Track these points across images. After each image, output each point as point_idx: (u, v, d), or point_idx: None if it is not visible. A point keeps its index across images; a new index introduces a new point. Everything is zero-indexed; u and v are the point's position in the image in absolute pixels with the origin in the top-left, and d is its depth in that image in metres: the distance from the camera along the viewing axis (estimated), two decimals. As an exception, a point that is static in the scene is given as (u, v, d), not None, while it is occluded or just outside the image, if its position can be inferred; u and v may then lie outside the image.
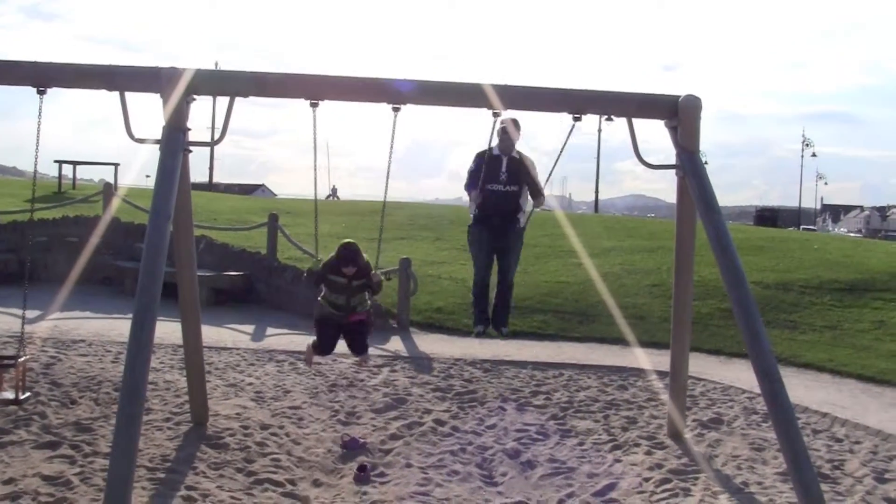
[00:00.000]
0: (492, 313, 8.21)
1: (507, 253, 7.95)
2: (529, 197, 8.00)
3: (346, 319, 7.04)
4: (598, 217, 36.27)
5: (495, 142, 7.64)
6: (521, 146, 8.14)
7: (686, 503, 5.98)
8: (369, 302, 7.16)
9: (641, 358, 10.45)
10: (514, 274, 8.11)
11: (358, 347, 7.24)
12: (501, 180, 7.68)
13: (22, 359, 6.54)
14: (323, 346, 7.25)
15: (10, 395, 6.56)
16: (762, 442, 7.39)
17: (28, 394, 6.81)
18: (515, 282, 8.45)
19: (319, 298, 7.08)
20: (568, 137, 6.85)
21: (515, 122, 7.77)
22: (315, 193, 6.76)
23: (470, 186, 7.86)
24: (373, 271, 6.95)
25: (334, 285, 6.94)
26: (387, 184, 6.70)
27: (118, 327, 11.10)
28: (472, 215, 7.95)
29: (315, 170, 6.48)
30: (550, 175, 7.86)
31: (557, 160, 7.09)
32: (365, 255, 6.97)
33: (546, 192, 7.91)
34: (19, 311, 6.83)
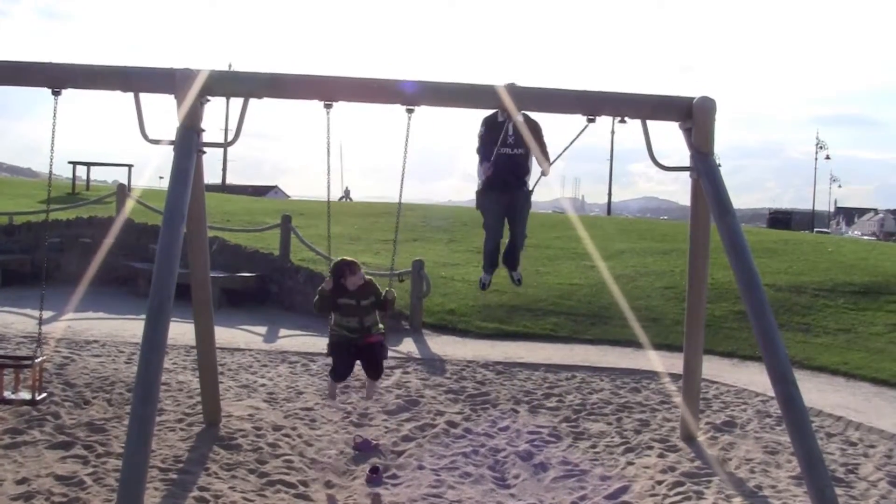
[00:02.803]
0: (503, 258, 8.42)
1: (517, 215, 8.14)
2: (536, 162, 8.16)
3: (362, 342, 6.84)
4: (612, 219, 36.21)
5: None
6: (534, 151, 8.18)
7: (699, 506, 5.97)
8: (381, 326, 7.00)
9: (654, 360, 10.41)
10: (525, 230, 8.33)
11: (374, 369, 6.99)
12: (509, 143, 7.82)
13: (39, 359, 6.57)
14: (339, 372, 7.01)
15: (26, 395, 6.59)
16: (776, 445, 7.36)
17: (45, 394, 6.84)
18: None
19: (331, 325, 6.93)
20: (579, 135, 6.81)
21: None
22: (328, 194, 6.75)
23: (482, 155, 8.00)
24: (386, 289, 6.84)
25: (344, 309, 6.78)
26: (402, 185, 6.65)
27: (131, 328, 11.13)
28: (480, 181, 8.09)
29: (328, 171, 6.47)
30: (558, 157, 7.92)
31: (565, 150, 7.14)
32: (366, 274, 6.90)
33: (559, 192, 7.97)
34: (34, 312, 6.87)
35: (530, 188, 8.09)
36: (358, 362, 7.02)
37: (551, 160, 7.77)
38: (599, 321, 12.77)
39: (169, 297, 5.31)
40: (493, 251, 8.27)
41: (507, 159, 7.82)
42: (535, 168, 8.11)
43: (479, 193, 8.16)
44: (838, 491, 5.80)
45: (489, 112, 7.75)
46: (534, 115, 7.74)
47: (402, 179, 6.59)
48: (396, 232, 7.00)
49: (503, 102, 6.23)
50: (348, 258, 6.90)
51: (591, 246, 17.23)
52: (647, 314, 12.79)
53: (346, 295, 6.73)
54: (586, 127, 6.57)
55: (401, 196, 6.73)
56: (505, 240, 8.33)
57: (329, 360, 7.19)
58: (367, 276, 6.86)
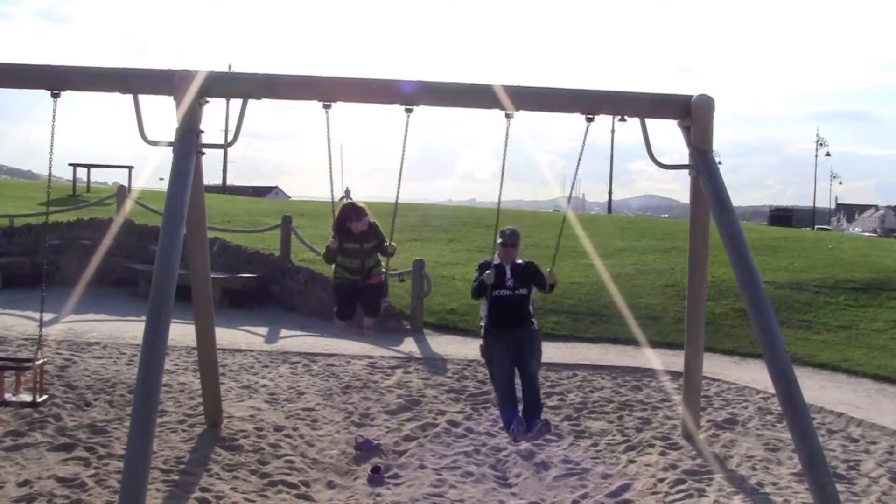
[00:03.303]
0: (522, 412, 7.16)
1: (527, 357, 7.16)
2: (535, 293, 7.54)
3: (363, 283, 7.22)
4: (612, 217, 36.18)
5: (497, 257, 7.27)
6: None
7: (701, 504, 5.97)
8: (383, 268, 7.32)
9: (655, 359, 10.42)
10: (538, 372, 7.30)
11: (373, 308, 7.40)
12: (508, 286, 7.25)
13: (39, 362, 6.57)
14: (343, 312, 7.34)
15: (27, 397, 6.60)
16: (777, 442, 7.36)
17: (45, 396, 6.84)
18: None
19: (334, 267, 7.19)
20: (585, 140, 6.70)
21: (515, 234, 7.29)
22: (332, 195, 6.74)
23: (476, 291, 7.29)
24: (386, 242, 7.17)
25: (348, 252, 7.09)
26: (399, 184, 6.67)
27: (132, 329, 11.13)
28: (482, 324, 7.33)
29: (330, 171, 6.48)
30: (574, 181, 7.65)
31: (578, 165, 6.82)
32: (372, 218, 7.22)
33: (559, 192, 7.62)
34: (34, 314, 6.88)
35: (535, 325, 7.34)
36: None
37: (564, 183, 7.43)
38: (600, 320, 12.77)
39: (169, 298, 5.31)
40: (508, 391, 7.05)
41: (507, 301, 7.19)
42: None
43: (483, 339, 7.32)
44: (839, 487, 5.81)
45: (486, 258, 7.29)
46: (532, 114, 7.51)
47: (400, 177, 6.62)
48: (392, 230, 6.98)
49: (501, 102, 6.23)
50: (356, 203, 7.23)
51: (591, 245, 17.19)
52: (647, 312, 12.79)
53: (350, 238, 7.09)
54: (588, 128, 6.51)
55: (398, 194, 6.74)
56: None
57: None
58: (371, 220, 7.20)
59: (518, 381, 6.98)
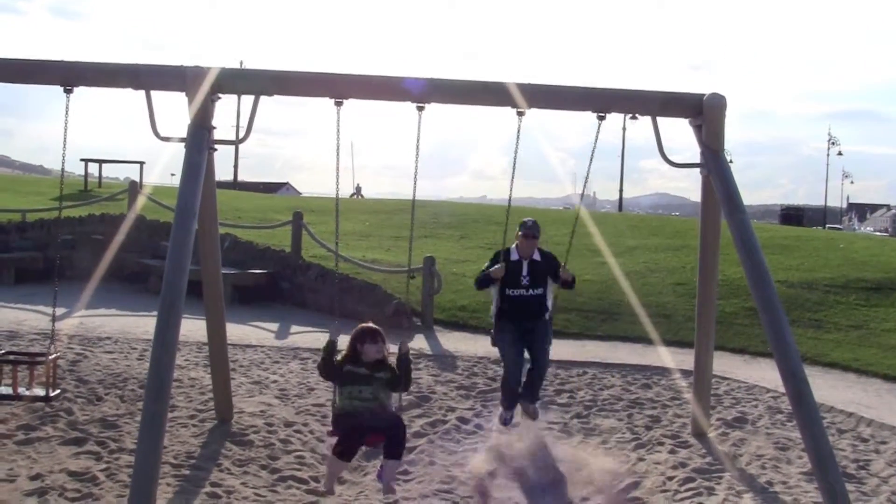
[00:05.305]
0: (522, 387, 7.11)
1: (539, 344, 7.03)
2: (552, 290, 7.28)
3: (379, 409, 5.57)
4: (623, 215, 36.10)
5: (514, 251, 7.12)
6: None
7: (710, 502, 5.97)
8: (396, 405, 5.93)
9: (665, 357, 10.40)
10: (548, 358, 7.22)
11: (395, 444, 5.52)
12: (523, 284, 7.06)
13: (52, 356, 6.61)
14: (345, 447, 5.45)
15: (40, 391, 6.63)
16: (787, 441, 7.35)
17: (58, 391, 6.88)
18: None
19: (335, 398, 5.78)
20: (597, 138, 6.63)
21: (537, 226, 7.19)
22: (337, 192, 6.57)
23: (481, 283, 7.12)
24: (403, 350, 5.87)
25: (355, 378, 5.60)
26: (415, 182, 6.57)
27: (143, 325, 11.17)
28: (493, 316, 7.19)
29: (337, 168, 6.38)
30: (587, 178, 7.46)
31: (590, 165, 6.72)
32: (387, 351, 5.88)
33: (570, 189, 7.45)
34: (47, 309, 6.91)
35: (550, 315, 7.17)
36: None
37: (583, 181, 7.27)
38: (610, 317, 12.76)
39: (181, 293, 5.33)
40: (513, 389, 7.01)
41: (521, 301, 6.94)
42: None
43: (493, 328, 7.10)
44: (849, 487, 5.80)
45: (504, 248, 6.99)
46: (544, 112, 7.36)
47: (416, 177, 6.52)
48: (412, 228, 6.84)
49: (514, 100, 6.22)
50: (374, 326, 5.85)
51: (603, 242, 17.15)
52: (658, 310, 12.77)
53: (357, 361, 5.69)
54: (600, 125, 6.47)
55: (414, 194, 6.64)
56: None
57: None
58: (388, 352, 5.87)
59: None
